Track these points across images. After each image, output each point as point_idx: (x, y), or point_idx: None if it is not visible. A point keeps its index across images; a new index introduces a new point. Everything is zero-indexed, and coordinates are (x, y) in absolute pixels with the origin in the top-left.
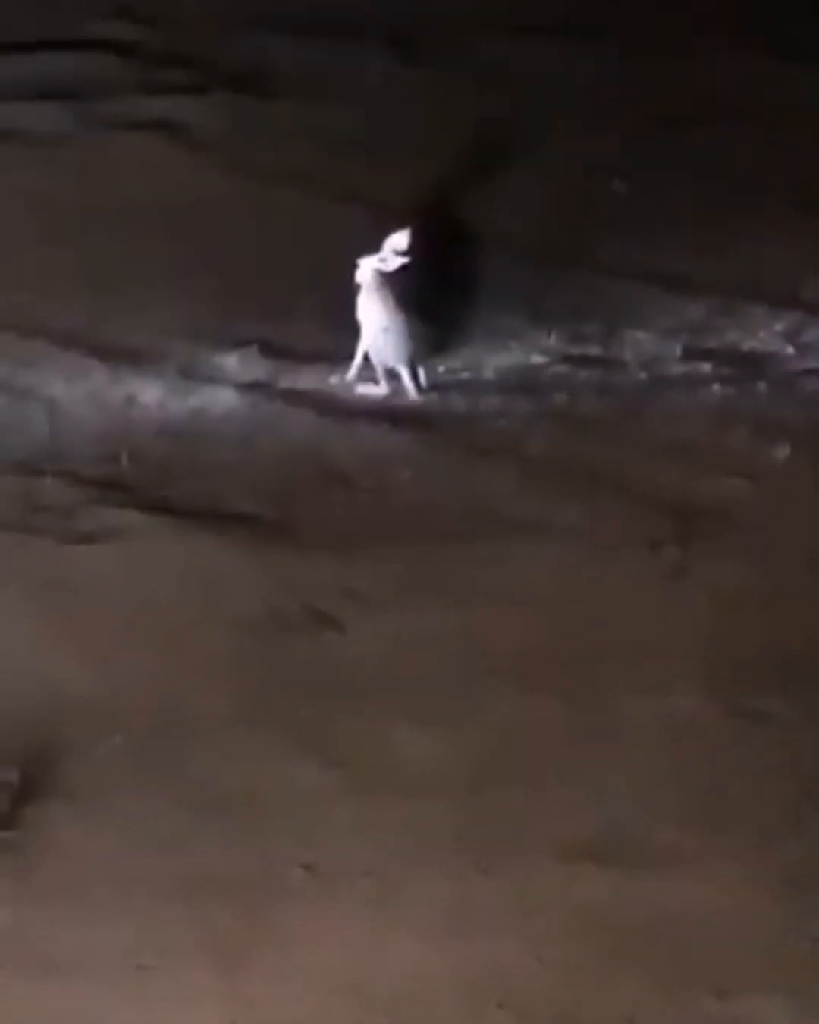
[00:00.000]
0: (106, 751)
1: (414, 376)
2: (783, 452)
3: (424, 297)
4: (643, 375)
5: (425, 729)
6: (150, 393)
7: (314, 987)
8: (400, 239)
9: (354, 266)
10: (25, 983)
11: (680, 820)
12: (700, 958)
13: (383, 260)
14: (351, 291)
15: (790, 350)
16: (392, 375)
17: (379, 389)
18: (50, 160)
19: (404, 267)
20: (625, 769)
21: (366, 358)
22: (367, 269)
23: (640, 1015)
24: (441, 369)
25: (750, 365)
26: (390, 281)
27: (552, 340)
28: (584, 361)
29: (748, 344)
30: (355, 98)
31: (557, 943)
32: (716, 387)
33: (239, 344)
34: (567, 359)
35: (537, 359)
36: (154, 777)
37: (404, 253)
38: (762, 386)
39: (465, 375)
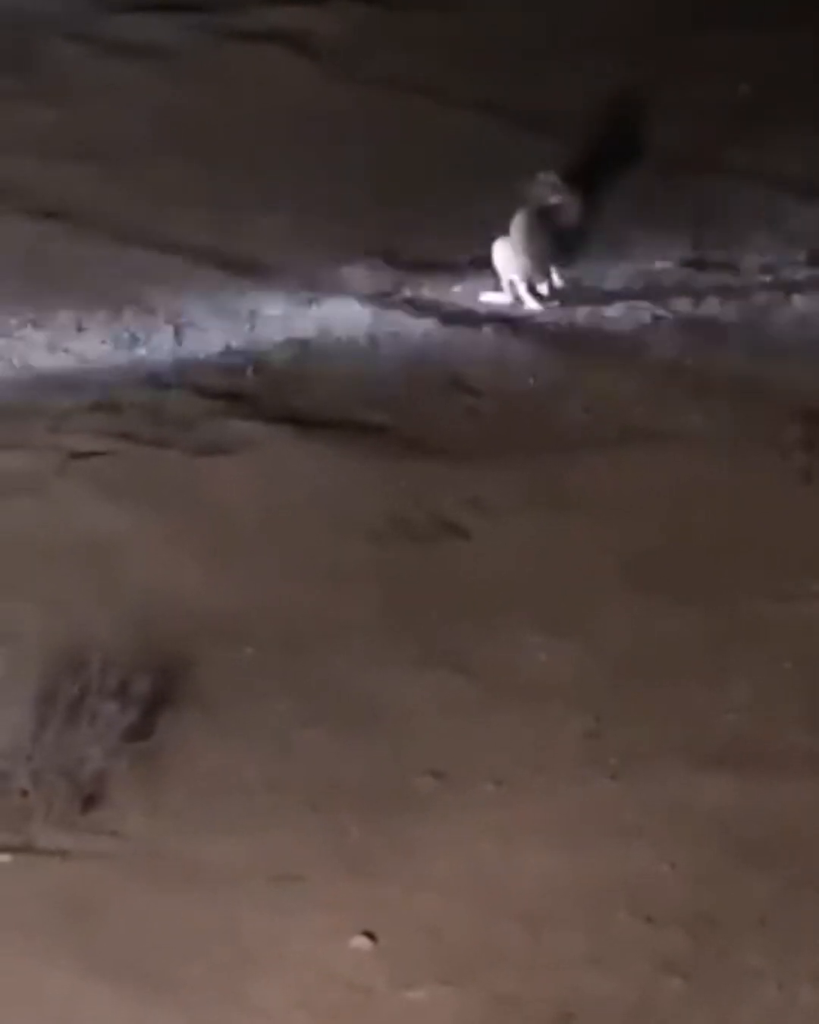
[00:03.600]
0: (236, 662)
1: (537, 286)
2: None
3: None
4: (767, 279)
5: (552, 636)
6: (274, 305)
7: (445, 894)
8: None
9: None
10: (159, 893)
11: (809, 724)
12: None
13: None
14: (471, 199)
15: None
16: (516, 284)
17: (503, 297)
18: (172, 72)
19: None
20: (754, 674)
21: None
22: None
23: (771, 918)
24: (565, 276)
25: None
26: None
27: (675, 246)
28: (708, 266)
29: None
30: (477, 5)
31: (687, 848)
32: None
33: (363, 254)
34: (690, 265)
35: (660, 265)
36: (283, 687)
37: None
38: None
39: (589, 282)
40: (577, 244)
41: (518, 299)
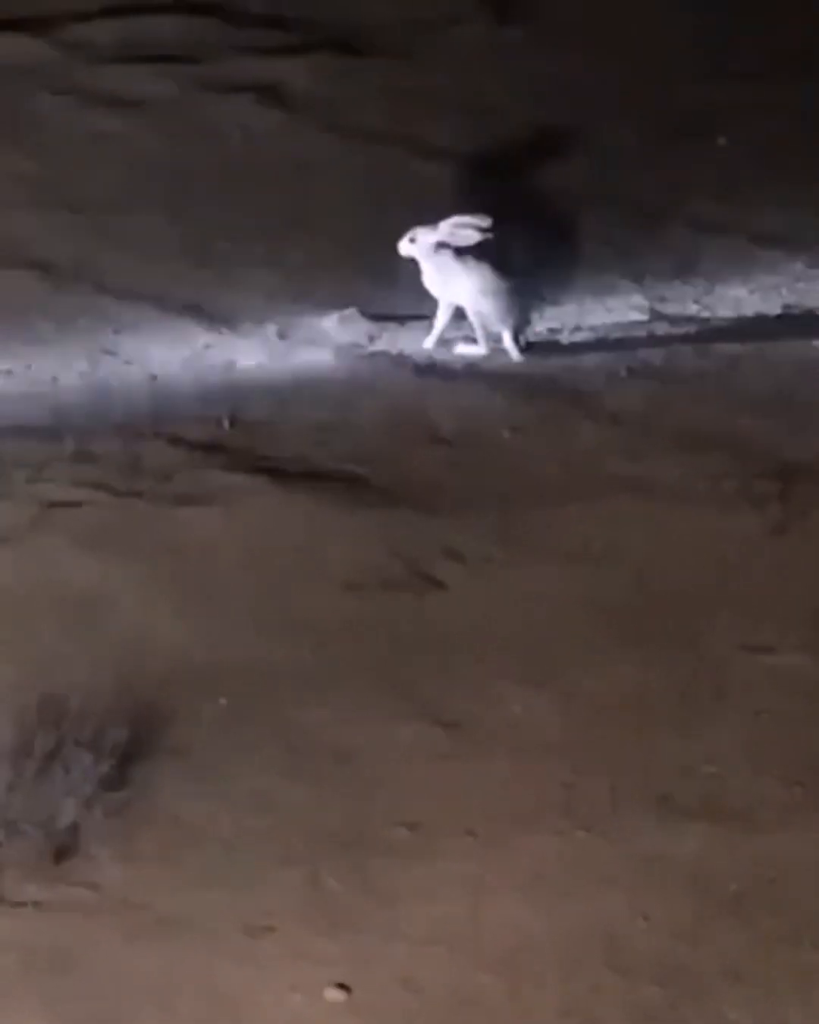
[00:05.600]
0: (212, 712)
1: (516, 337)
2: None
3: (521, 256)
4: (741, 331)
5: (528, 687)
6: (250, 355)
7: (419, 946)
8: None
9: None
10: (133, 945)
11: (785, 777)
12: (805, 914)
13: (453, 234)
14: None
15: None
16: (493, 336)
17: (479, 349)
18: (151, 123)
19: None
20: (729, 726)
21: (460, 319)
22: (424, 243)
23: (746, 971)
24: (539, 328)
25: None
26: (482, 246)
27: (649, 297)
28: (682, 318)
29: None
30: (452, 58)
31: (662, 901)
32: (816, 342)
33: (338, 306)
34: (665, 316)
35: (635, 316)
36: (259, 737)
37: (484, 229)
38: None
39: (563, 334)
40: (553, 296)
41: (501, 350)
